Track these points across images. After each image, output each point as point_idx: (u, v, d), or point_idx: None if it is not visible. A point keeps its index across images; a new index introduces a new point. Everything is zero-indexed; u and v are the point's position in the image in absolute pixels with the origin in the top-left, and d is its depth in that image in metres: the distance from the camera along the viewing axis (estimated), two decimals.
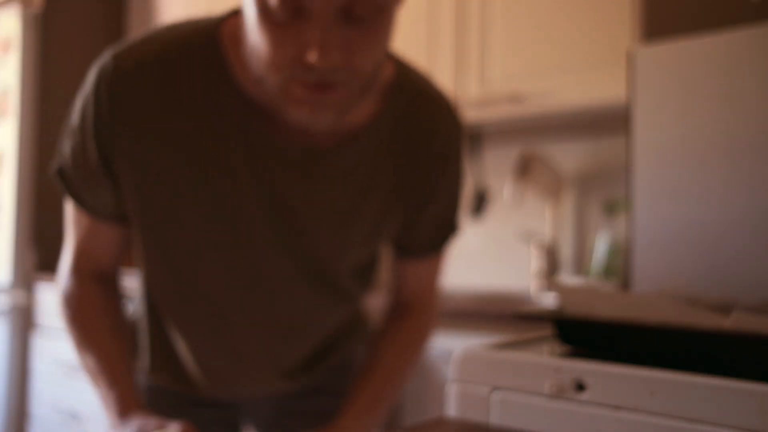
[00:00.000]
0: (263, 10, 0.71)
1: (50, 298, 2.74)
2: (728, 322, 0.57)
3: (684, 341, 0.60)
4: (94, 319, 0.94)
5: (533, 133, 2.28)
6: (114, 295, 0.97)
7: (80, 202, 0.89)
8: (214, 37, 0.83)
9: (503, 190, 2.25)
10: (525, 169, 2.12)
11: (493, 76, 2.05)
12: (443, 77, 2.11)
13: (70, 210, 0.93)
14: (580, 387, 0.57)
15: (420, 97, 0.92)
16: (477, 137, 2.34)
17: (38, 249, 2.92)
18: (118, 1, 3.28)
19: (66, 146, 0.88)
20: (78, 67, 3.14)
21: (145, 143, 0.83)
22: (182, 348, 0.98)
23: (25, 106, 2.90)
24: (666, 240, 0.97)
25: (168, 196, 0.85)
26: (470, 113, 2.07)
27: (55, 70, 3.03)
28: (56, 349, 2.68)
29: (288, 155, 0.84)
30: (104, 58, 0.84)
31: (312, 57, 0.69)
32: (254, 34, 0.74)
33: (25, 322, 2.82)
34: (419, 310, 1.05)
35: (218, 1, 2.85)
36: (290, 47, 0.71)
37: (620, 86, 1.66)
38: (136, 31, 3.22)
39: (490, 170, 2.33)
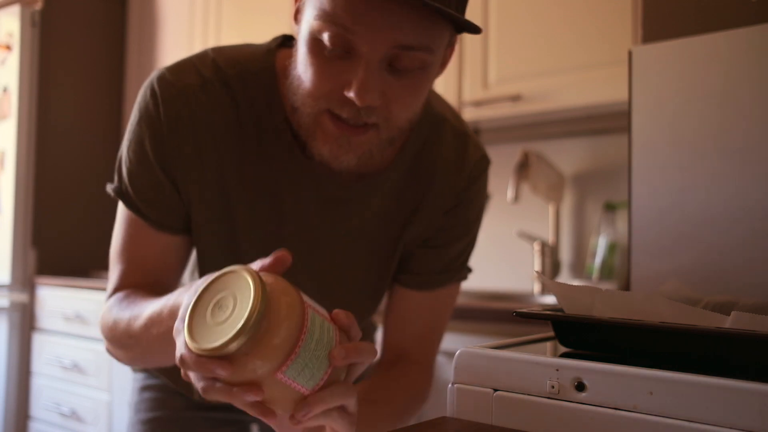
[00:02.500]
0: (315, 42, 0.74)
1: (50, 299, 2.74)
2: (728, 322, 0.57)
3: (684, 341, 0.60)
4: (142, 298, 0.84)
5: (533, 133, 2.28)
6: None
7: (145, 217, 0.86)
8: (271, 64, 0.86)
9: (503, 190, 2.25)
10: (525, 169, 2.12)
11: (493, 76, 2.05)
12: (443, 77, 2.11)
13: (124, 230, 0.89)
14: (580, 387, 0.57)
15: (442, 127, 0.95)
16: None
17: (38, 249, 2.92)
18: (118, 1, 3.28)
19: (124, 162, 0.87)
20: (78, 67, 3.15)
21: (205, 154, 0.85)
22: None
23: (25, 106, 2.90)
24: (666, 240, 0.97)
25: (218, 214, 0.87)
26: (470, 113, 2.08)
27: (55, 70, 3.03)
28: (56, 349, 2.68)
29: (323, 185, 0.88)
30: (160, 73, 0.85)
31: (352, 94, 0.72)
32: (302, 64, 0.77)
33: (25, 322, 2.82)
34: (419, 360, 0.97)
35: (218, 2, 2.85)
36: (332, 80, 0.74)
37: (620, 86, 1.66)
38: (136, 32, 3.22)
39: (490, 170, 2.33)
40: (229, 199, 0.87)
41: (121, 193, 0.88)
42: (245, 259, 0.87)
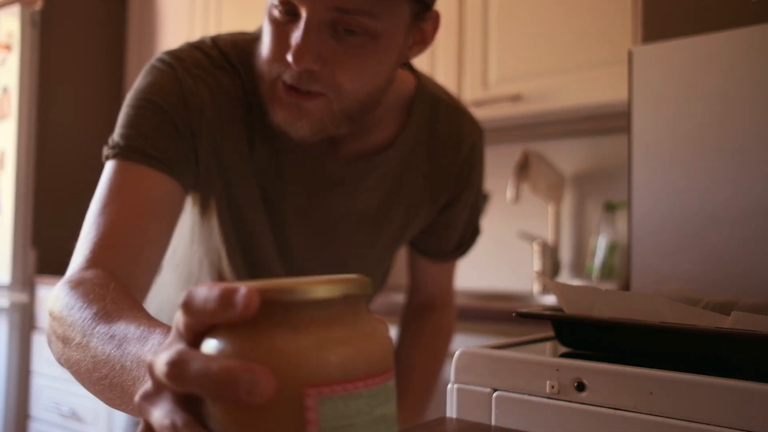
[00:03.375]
0: (270, 12, 0.76)
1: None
2: (728, 322, 0.57)
3: (684, 341, 0.60)
4: (112, 297, 0.63)
5: (533, 133, 2.28)
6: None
7: (150, 158, 0.76)
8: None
9: (503, 190, 2.25)
10: (525, 169, 2.12)
11: (493, 76, 2.05)
12: (443, 77, 2.11)
13: (109, 186, 0.77)
14: (580, 387, 0.57)
15: (440, 106, 0.97)
16: None
17: (38, 249, 2.92)
18: (118, 1, 3.28)
19: (130, 118, 0.79)
20: (78, 67, 3.15)
21: (216, 124, 0.83)
22: None
23: (25, 106, 2.90)
24: (666, 240, 0.97)
25: (221, 185, 0.86)
26: None
27: (55, 70, 3.03)
28: None
29: (326, 168, 0.88)
30: (169, 51, 0.83)
31: (288, 56, 0.72)
32: (263, 34, 0.79)
33: (25, 322, 2.82)
34: (441, 306, 1.14)
35: (218, 2, 2.85)
36: (280, 46, 0.75)
37: (620, 86, 1.66)
38: (136, 32, 3.22)
39: (490, 170, 2.33)
40: (234, 175, 0.86)
41: (122, 148, 0.77)
42: (250, 237, 0.88)
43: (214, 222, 0.89)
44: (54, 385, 2.68)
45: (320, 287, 0.35)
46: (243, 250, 0.91)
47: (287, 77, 0.75)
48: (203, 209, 0.89)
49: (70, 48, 3.10)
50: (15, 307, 2.81)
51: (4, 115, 2.94)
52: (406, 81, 0.94)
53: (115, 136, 0.79)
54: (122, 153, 0.77)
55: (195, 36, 2.91)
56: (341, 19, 0.72)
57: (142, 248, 0.74)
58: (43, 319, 2.77)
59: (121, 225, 0.74)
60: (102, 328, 0.56)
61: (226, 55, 0.85)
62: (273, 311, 0.34)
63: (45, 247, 2.93)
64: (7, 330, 2.80)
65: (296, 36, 0.72)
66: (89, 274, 0.68)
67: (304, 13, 0.72)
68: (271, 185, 0.88)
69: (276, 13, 0.74)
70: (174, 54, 0.84)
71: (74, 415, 2.56)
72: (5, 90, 2.93)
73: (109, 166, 0.78)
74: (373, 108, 0.82)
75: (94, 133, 3.16)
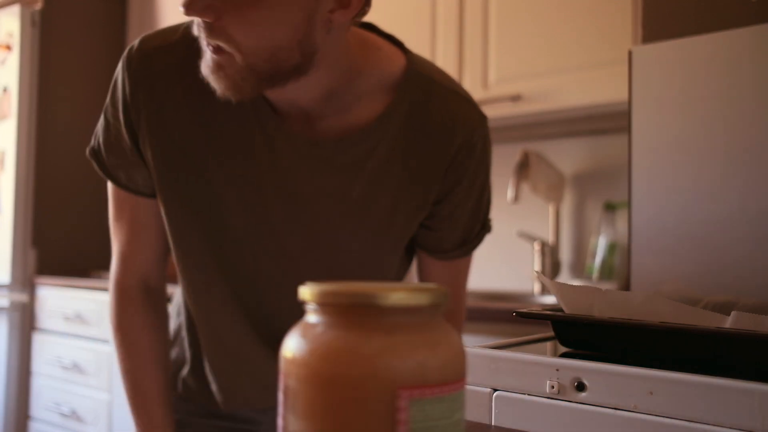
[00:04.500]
0: None
1: (50, 298, 2.74)
2: (728, 322, 0.57)
3: (684, 341, 0.60)
4: (138, 350, 0.96)
5: (533, 133, 2.28)
6: (159, 318, 0.98)
7: (115, 180, 0.93)
8: None
9: (503, 190, 2.25)
10: (525, 169, 2.12)
11: (493, 76, 2.05)
12: None
13: (112, 202, 0.96)
14: (580, 387, 0.57)
15: (434, 88, 0.92)
16: None
17: (38, 249, 2.92)
18: (118, 1, 3.28)
19: (99, 126, 0.93)
20: (78, 66, 3.15)
21: (168, 119, 0.87)
22: (202, 344, 0.97)
23: (25, 106, 2.90)
24: (666, 240, 0.97)
25: (189, 174, 0.88)
26: None
27: (55, 70, 3.03)
28: (56, 349, 2.68)
29: (298, 144, 0.86)
30: (133, 43, 0.89)
31: (180, 6, 0.73)
32: None
33: (25, 322, 2.82)
34: (447, 309, 1.06)
35: None
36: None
37: (620, 86, 1.66)
38: (136, 32, 3.22)
39: (491, 170, 2.33)
40: (199, 161, 0.87)
41: (94, 154, 0.93)
42: (229, 224, 0.88)
43: (179, 215, 0.90)
44: (54, 385, 2.68)
45: (413, 294, 0.38)
46: (213, 232, 0.90)
47: (194, 29, 0.77)
48: (169, 203, 0.91)
49: (70, 48, 3.10)
50: (15, 307, 2.81)
51: (4, 115, 2.94)
52: (395, 60, 0.90)
53: (91, 145, 0.95)
54: (98, 166, 0.94)
55: None
56: None
57: (146, 253, 0.95)
58: (43, 319, 2.77)
59: (127, 234, 0.95)
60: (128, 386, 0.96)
61: (191, 37, 0.85)
62: (369, 315, 0.37)
63: (45, 247, 2.93)
64: (7, 330, 2.80)
65: None
66: (122, 312, 0.96)
67: None
68: (241, 167, 0.87)
69: None
70: (131, 49, 0.88)
71: (74, 415, 2.56)
72: (5, 90, 2.93)
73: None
74: (293, 70, 0.80)
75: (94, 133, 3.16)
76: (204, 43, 0.77)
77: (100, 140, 0.93)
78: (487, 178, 1.00)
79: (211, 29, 0.75)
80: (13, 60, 2.90)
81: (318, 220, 0.90)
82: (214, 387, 0.98)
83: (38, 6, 2.94)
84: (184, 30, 0.88)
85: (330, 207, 0.90)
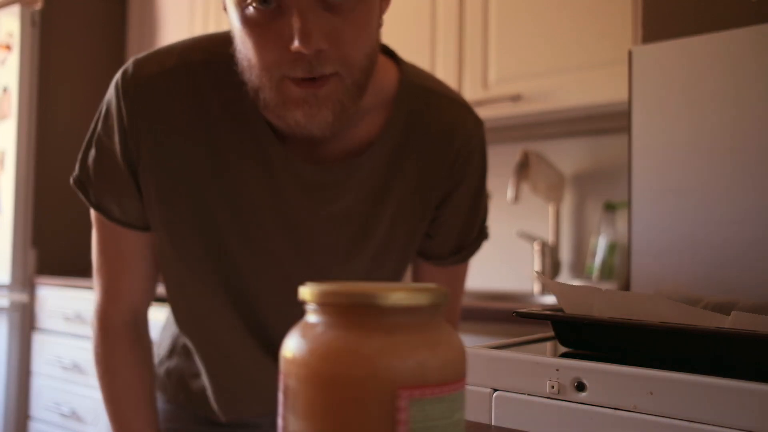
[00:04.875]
0: (244, 16, 0.72)
1: (50, 299, 2.74)
2: (728, 322, 0.57)
3: (684, 341, 0.60)
4: (121, 390, 0.94)
5: (533, 133, 2.28)
6: (144, 349, 0.96)
7: (106, 213, 0.87)
8: (233, 49, 0.81)
9: (503, 190, 2.25)
10: (525, 169, 2.12)
11: (493, 76, 2.05)
12: (443, 77, 2.11)
13: (97, 236, 0.91)
14: (580, 387, 0.57)
15: (430, 96, 0.91)
16: None
17: (38, 249, 2.92)
18: (118, 1, 3.28)
19: (88, 155, 0.87)
20: (78, 67, 3.15)
21: (170, 147, 0.83)
22: (201, 363, 0.96)
23: (25, 106, 2.90)
24: (666, 240, 0.97)
25: (189, 203, 0.85)
26: None
27: (55, 70, 3.03)
28: (56, 349, 2.68)
29: (299, 169, 0.84)
30: (126, 66, 0.84)
31: (295, 45, 0.69)
32: (241, 42, 0.75)
33: (25, 322, 2.82)
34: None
35: (218, 2, 2.85)
36: (275, 44, 0.71)
37: (620, 86, 1.66)
38: (136, 32, 3.22)
39: (490, 170, 2.33)
40: (202, 190, 0.85)
41: (81, 184, 0.88)
42: (229, 254, 0.86)
43: (180, 244, 0.88)
44: (54, 385, 2.68)
45: (413, 294, 0.37)
46: (220, 261, 0.88)
47: (298, 71, 0.72)
48: (168, 233, 0.89)
49: (70, 48, 3.10)
50: (15, 307, 2.81)
51: (4, 115, 2.94)
52: (389, 71, 0.89)
53: (78, 174, 0.89)
54: (85, 196, 0.89)
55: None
56: None
57: (132, 284, 0.93)
58: (43, 319, 2.77)
59: (111, 268, 0.93)
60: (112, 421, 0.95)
61: (188, 63, 0.83)
62: (369, 315, 0.37)
63: (45, 247, 2.93)
64: (7, 330, 2.80)
65: (296, 23, 0.69)
66: (105, 350, 0.96)
67: None
68: (242, 196, 0.85)
69: (251, 12, 0.71)
70: (126, 74, 0.83)
71: (74, 415, 2.56)
72: (5, 90, 2.93)
73: (89, 206, 0.90)
74: (372, 72, 0.79)
75: None
76: (291, 85, 0.73)
77: (90, 171, 0.87)
78: (484, 183, 0.99)
79: (324, 57, 0.71)
80: (13, 60, 2.90)
81: (319, 246, 0.89)
82: (215, 399, 0.97)
83: (38, 6, 2.94)
84: (179, 54, 0.84)
85: (331, 230, 0.89)
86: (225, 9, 0.77)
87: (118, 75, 0.84)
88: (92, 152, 0.86)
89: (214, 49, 0.84)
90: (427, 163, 0.91)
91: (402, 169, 0.90)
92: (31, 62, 2.92)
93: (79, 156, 0.88)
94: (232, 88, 0.82)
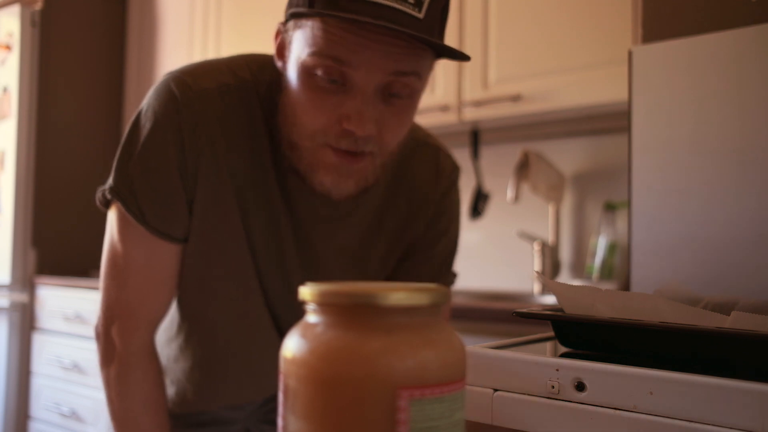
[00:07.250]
0: (309, 78, 0.76)
1: (50, 299, 2.74)
2: (728, 322, 0.57)
3: (684, 341, 0.60)
4: (139, 417, 0.91)
5: (533, 133, 2.28)
6: (158, 366, 0.94)
7: (148, 224, 0.85)
8: (278, 76, 0.86)
9: (503, 189, 2.25)
10: (525, 169, 2.12)
11: (493, 76, 2.05)
12: (444, 77, 2.11)
13: (122, 248, 0.87)
14: (580, 387, 0.57)
15: (417, 147, 0.99)
16: (477, 137, 2.34)
17: (38, 249, 2.92)
18: (118, 1, 3.28)
19: (128, 166, 0.85)
20: (78, 67, 3.15)
21: (221, 163, 0.85)
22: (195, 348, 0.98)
23: (25, 106, 2.90)
24: (666, 240, 0.97)
25: (229, 216, 0.88)
26: (470, 113, 2.07)
27: (55, 70, 3.03)
28: (56, 349, 2.68)
29: (315, 206, 0.90)
30: (177, 75, 0.85)
31: (351, 125, 0.75)
32: (296, 100, 0.79)
33: (25, 322, 2.82)
34: None
35: (218, 2, 2.85)
36: (329, 115, 0.77)
37: (620, 86, 1.66)
38: (136, 32, 3.22)
39: (490, 170, 2.33)
40: (243, 202, 0.88)
41: (121, 196, 0.85)
42: (255, 266, 0.90)
43: (212, 255, 0.90)
44: (54, 385, 2.68)
45: (413, 294, 0.37)
46: (242, 274, 0.93)
47: (343, 144, 0.78)
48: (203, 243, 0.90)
49: (70, 48, 3.10)
50: (15, 307, 2.81)
51: (4, 115, 2.94)
52: None
53: (120, 185, 0.85)
54: (125, 206, 0.85)
55: (194, 36, 2.91)
56: (394, 81, 0.76)
57: (156, 300, 0.91)
58: (43, 319, 2.77)
59: (141, 282, 0.88)
60: None
61: (240, 82, 0.86)
62: (369, 315, 0.37)
63: (45, 247, 2.93)
64: (7, 330, 2.79)
65: (356, 106, 0.75)
66: (122, 380, 0.90)
67: (360, 82, 0.74)
68: (269, 220, 0.90)
69: (318, 80, 0.76)
70: (183, 84, 0.83)
71: (74, 415, 2.56)
72: (5, 90, 2.93)
73: (116, 218, 0.86)
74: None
75: (94, 133, 3.16)
76: (331, 153, 0.78)
77: (134, 182, 0.84)
78: (457, 224, 1.06)
79: (368, 140, 0.78)
80: (13, 60, 2.90)
81: (326, 268, 0.96)
82: (197, 383, 0.97)
83: (38, 6, 2.94)
84: (233, 71, 0.87)
85: (330, 263, 0.95)
86: (279, 54, 0.82)
87: (170, 85, 0.84)
88: (136, 163, 0.84)
89: (259, 71, 0.88)
90: (415, 202, 0.99)
91: (391, 209, 0.98)
92: (31, 62, 2.92)
93: (115, 166, 0.86)
94: (264, 121, 0.87)
